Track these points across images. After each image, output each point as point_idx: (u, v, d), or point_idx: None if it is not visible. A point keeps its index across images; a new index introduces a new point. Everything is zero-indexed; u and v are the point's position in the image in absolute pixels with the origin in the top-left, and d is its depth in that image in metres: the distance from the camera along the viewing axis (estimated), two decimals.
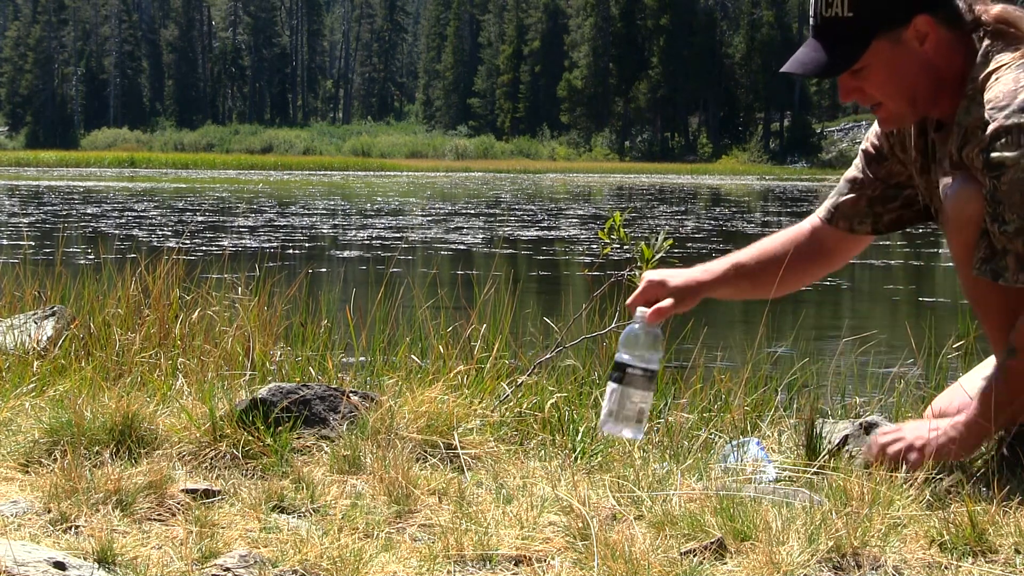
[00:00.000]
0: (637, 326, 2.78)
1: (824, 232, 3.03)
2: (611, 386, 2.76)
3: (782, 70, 2.79)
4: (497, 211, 28.21)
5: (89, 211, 24.79)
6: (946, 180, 2.76)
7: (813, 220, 3.06)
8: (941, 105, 2.75)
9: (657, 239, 3.56)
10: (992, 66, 2.66)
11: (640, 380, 2.73)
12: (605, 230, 3.51)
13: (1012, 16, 2.72)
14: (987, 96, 2.61)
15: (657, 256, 3.51)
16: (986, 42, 2.70)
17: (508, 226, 22.35)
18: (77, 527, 2.31)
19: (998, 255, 2.59)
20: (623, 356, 2.75)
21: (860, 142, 3.03)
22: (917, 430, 2.68)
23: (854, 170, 3.00)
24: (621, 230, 3.46)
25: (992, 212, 2.58)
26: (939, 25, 2.69)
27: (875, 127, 2.96)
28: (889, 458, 2.64)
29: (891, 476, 2.52)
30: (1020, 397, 2.61)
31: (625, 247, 3.58)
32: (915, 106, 2.76)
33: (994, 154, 2.56)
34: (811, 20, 2.74)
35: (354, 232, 20.30)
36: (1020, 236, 2.55)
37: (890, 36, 2.68)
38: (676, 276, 2.94)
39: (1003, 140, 2.55)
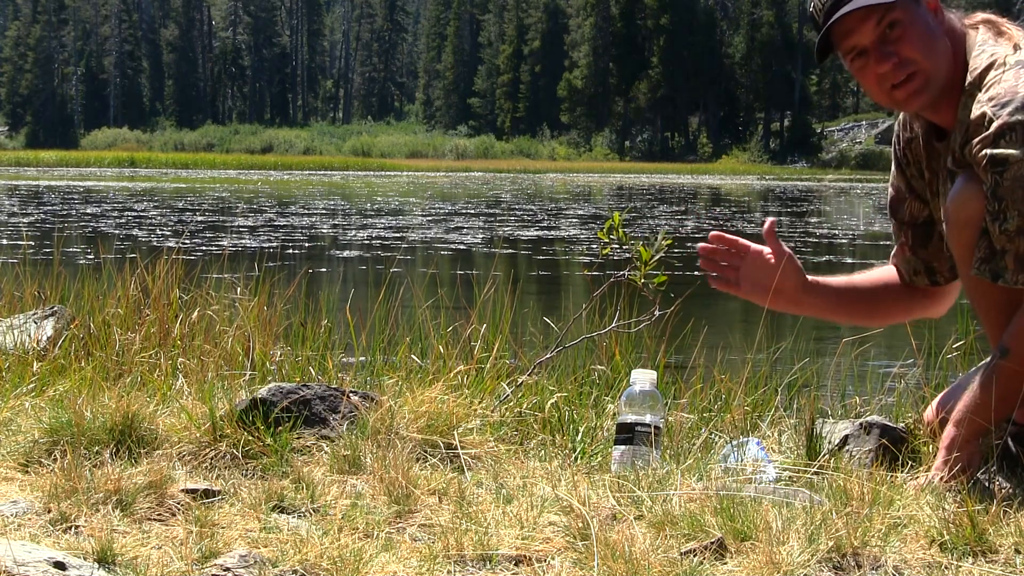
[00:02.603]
0: (637, 388, 2.82)
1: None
2: (619, 448, 2.79)
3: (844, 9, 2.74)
4: (497, 211, 28.21)
5: (89, 211, 24.79)
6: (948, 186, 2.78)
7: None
8: (944, 109, 2.76)
9: (656, 239, 3.56)
10: (987, 59, 2.67)
11: (648, 438, 2.77)
12: (604, 230, 3.51)
13: (995, 19, 2.77)
14: (989, 94, 2.62)
15: (656, 256, 3.51)
16: (978, 38, 2.73)
17: (508, 226, 22.35)
18: (77, 527, 2.31)
19: (997, 255, 2.59)
20: (629, 417, 2.78)
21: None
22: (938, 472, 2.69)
23: (891, 220, 3.05)
24: (620, 230, 3.46)
25: (993, 210, 2.58)
26: (944, 8, 2.74)
27: (891, 179, 3.01)
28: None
29: (891, 476, 2.53)
30: (1012, 397, 2.62)
31: (625, 248, 3.58)
32: (938, 73, 2.74)
33: (997, 151, 2.56)
34: None
35: (354, 232, 20.30)
36: (1021, 235, 2.56)
37: None
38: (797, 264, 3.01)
39: (1007, 137, 2.56)
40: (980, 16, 2.79)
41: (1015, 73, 2.61)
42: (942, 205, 2.84)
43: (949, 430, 2.68)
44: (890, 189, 3.03)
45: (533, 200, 34.33)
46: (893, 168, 3.01)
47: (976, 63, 2.70)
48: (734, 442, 2.90)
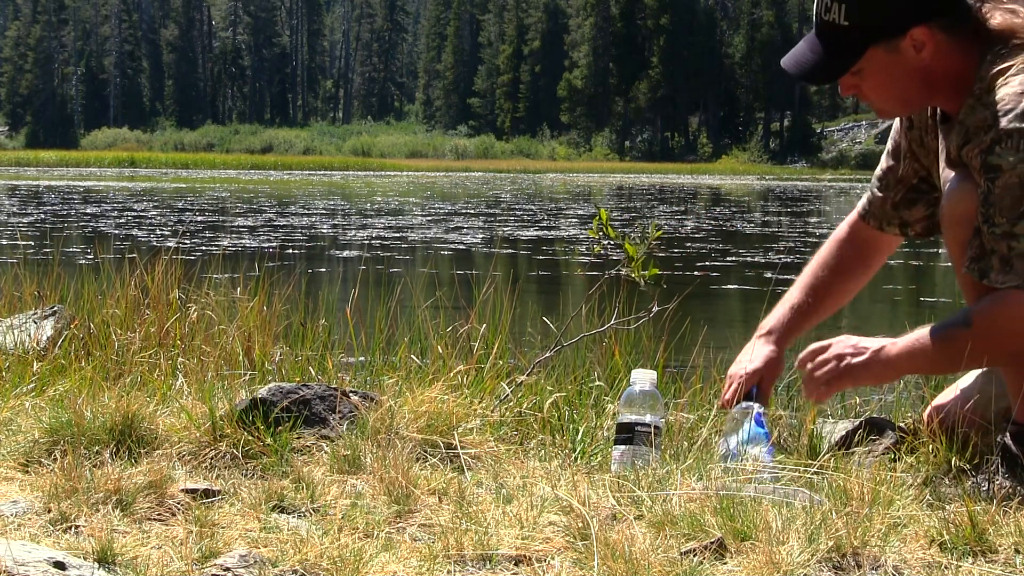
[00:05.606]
0: (637, 388, 2.82)
1: (863, 229, 3.09)
2: (619, 448, 2.79)
3: (781, 63, 2.83)
4: (497, 211, 28.21)
5: (89, 211, 24.79)
6: (946, 174, 2.79)
7: (851, 218, 3.11)
8: (942, 100, 2.77)
9: (647, 231, 3.55)
10: (1000, 66, 2.66)
11: (648, 438, 2.76)
12: (594, 227, 3.51)
13: (1014, 24, 2.72)
14: (994, 97, 2.62)
15: (645, 251, 3.50)
16: (995, 46, 2.70)
17: (508, 226, 22.35)
18: (77, 527, 2.31)
19: (986, 255, 2.62)
20: (628, 417, 2.78)
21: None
22: (846, 342, 2.81)
23: (881, 167, 3.04)
24: (608, 226, 3.46)
25: (984, 213, 2.61)
26: (938, 32, 2.70)
27: (896, 124, 3.01)
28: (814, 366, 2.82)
29: (891, 476, 2.53)
30: (957, 363, 2.68)
31: (614, 244, 3.58)
32: (909, 106, 2.84)
33: (992, 157, 2.58)
34: (813, 18, 2.77)
35: (354, 232, 20.31)
36: (1006, 239, 2.59)
37: (885, 46, 2.71)
38: (754, 360, 3.00)
39: (1003, 144, 2.57)
40: (998, 19, 2.71)
41: (1022, 80, 2.61)
42: (938, 181, 2.86)
43: (889, 349, 2.74)
44: (891, 144, 3.02)
45: (533, 200, 34.34)
46: (898, 124, 3.00)
47: (987, 71, 2.68)
48: (736, 409, 2.88)
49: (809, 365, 2.86)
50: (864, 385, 2.91)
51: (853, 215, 3.11)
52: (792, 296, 3.11)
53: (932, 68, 2.72)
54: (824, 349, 2.84)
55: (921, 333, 2.74)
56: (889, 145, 3.03)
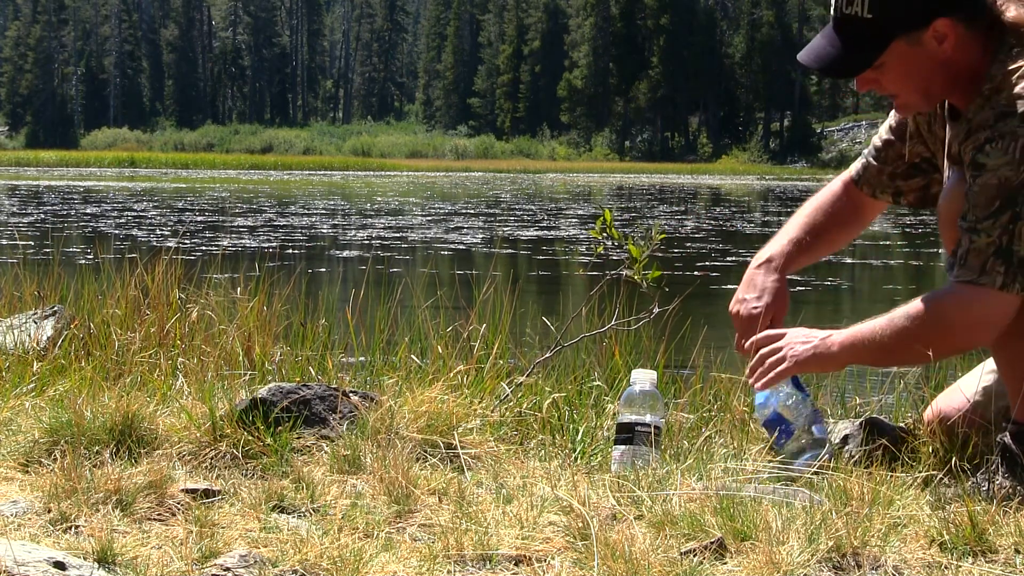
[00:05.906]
0: (637, 388, 2.81)
1: (855, 192, 3.08)
2: (619, 448, 2.78)
3: (798, 57, 2.80)
4: (497, 211, 28.22)
5: (89, 211, 24.79)
6: (948, 170, 2.80)
7: (845, 179, 3.10)
8: (957, 96, 2.76)
9: (650, 233, 3.55)
10: (1011, 65, 2.66)
11: (648, 438, 2.76)
12: (596, 228, 3.51)
13: None
14: (1000, 98, 2.62)
15: (647, 253, 3.51)
16: (1008, 42, 2.69)
17: (508, 226, 22.36)
18: (77, 527, 2.31)
19: (956, 250, 2.64)
20: (628, 417, 2.78)
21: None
22: (796, 337, 2.81)
23: (881, 138, 3.02)
24: (612, 227, 3.46)
25: (963, 209, 2.63)
26: (959, 24, 2.70)
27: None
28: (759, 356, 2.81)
29: (891, 476, 2.53)
30: (898, 359, 2.75)
31: (617, 245, 3.58)
32: (930, 99, 2.80)
33: (980, 155, 2.60)
34: (832, 11, 2.75)
35: (354, 232, 20.31)
36: (969, 234, 2.61)
37: (909, 38, 2.69)
38: (763, 295, 2.96)
39: (994, 143, 2.58)
40: (1012, 13, 2.71)
41: None
42: (942, 166, 2.86)
43: (834, 339, 2.74)
44: (894, 120, 2.99)
45: (533, 200, 34.34)
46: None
47: (997, 71, 2.67)
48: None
49: (763, 350, 2.84)
50: (809, 372, 2.89)
51: (846, 176, 3.10)
52: (791, 231, 3.07)
53: (953, 61, 2.71)
54: (778, 337, 2.84)
55: (865, 325, 2.75)
56: (891, 121, 3.00)
